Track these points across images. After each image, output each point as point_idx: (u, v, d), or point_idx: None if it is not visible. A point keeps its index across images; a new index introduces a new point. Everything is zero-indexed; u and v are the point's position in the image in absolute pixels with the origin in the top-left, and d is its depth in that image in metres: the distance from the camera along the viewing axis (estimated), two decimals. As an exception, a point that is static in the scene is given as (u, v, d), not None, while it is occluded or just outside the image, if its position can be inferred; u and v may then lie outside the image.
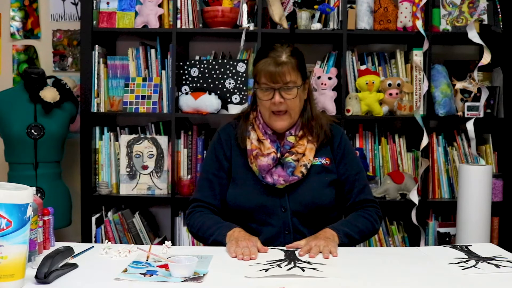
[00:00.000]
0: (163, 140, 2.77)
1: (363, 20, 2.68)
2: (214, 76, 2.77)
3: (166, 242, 1.59)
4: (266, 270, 1.35)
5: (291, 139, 1.73)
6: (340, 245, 1.58)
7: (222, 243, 1.59)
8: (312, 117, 1.76)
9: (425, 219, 2.74)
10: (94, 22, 2.75)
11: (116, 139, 2.82)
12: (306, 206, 1.71)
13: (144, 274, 1.32)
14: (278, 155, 1.72)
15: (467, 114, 2.69)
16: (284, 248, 1.57)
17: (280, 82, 1.66)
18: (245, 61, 2.76)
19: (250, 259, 1.43)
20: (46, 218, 1.54)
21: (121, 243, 2.71)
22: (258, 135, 1.74)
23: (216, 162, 1.79)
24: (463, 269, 1.39)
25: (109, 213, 2.75)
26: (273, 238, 1.70)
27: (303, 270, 1.35)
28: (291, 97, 1.67)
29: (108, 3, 2.76)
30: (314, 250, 1.47)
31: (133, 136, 2.77)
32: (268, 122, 1.72)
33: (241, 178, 1.75)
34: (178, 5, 2.71)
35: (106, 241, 1.68)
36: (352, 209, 1.78)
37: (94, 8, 2.74)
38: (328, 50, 2.90)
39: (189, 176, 2.76)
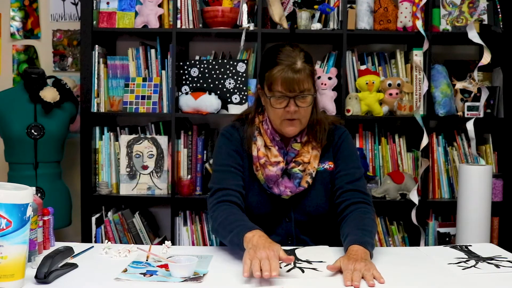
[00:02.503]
0: (163, 140, 2.77)
1: (363, 20, 2.68)
2: (214, 76, 2.77)
3: (166, 242, 1.59)
4: (266, 270, 1.35)
5: (296, 146, 1.69)
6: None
7: (239, 244, 1.45)
8: (317, 121, 1.71)
9: (425, 219, 2.74)
10: (94, 22, 2.75)
11: (116, 139, 2.82)
12: (309, 215, 1.70)
13: (144, 274, 1.32)
14: (291, 164, 1.68)
15: (467, 114, 2.69)
16: (284, 247, 1.57)
17: (297, 90, 1.59)
18: (245, 61, 2.75)
19: (271, 276, 1.24)
20: (46, 218, 1.54)
21: (121, 243, 2.71)
22: (265, 141, 1.70)
23: (237, 156, 1.71)
24: (463, 269, 1.39)
25: (109, 213, 2.75)
26: None
27: (303, 271, 1.35)
28: (305, 105, 1.62)
29: (108, 3, 2.76)
30: (356, 277, 1.26)
31: (133, 136, 2.77)
32: (279, 128, 1.67)
33: (246, 185, 1.71)
34: (178, 5, 2.71)
35: (106, 241, 1.68)
36: (344, 200, 1.66)
37: (94, 8, 2.74)
38: (328, 50, 2.90)
39: (189, 176, 2.76)
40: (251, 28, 2.65)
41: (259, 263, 1.27)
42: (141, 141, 2.76)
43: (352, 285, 1.24)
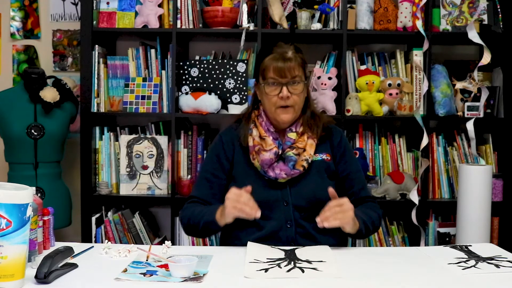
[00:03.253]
0: (163, 140, 2.77)
1: (363, 20, 2.68)
2: (214, 76, 2.77)
3: (166, 242, 1.59)
4: (266, 270, 1.35)
5: (292, 135, 1.77)
6: (354, 235, 1.67)
7: (213, 222, 1.64)
8: (313, 115, 1.81)
9: (425, 219, 2.74)
10: (94, 22, 2.75)
11: (116, 139, 2.82)
12: (308, 200, 1.73)
13: (144, 274, 1.32)
14: (280, 151, 1.75)
15: (467, 114, 2.69)
16: (284, 247, 1.57)
17: (288, 76, 1.70)
18: (245, 61, 2.75)
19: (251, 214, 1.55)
20: (46, 218, 1.54)
21: (121, 243, 2.71)
22: (260, 132, 1.77)
23: (217, 163, 1.81)
24: (463, 269, 1.39)
25: (109, 213, 2.75)
26: (275, 232, 1.71)
27: (303, 271, 1.35)
28: (297, 91, 1.72)
29: (108, 3, 2.76)
30: (327, 214, 1.57)
31: (133, 136, 2.77)
32: (273, 115, 1.76)
33: (242, 175, 1.78)
34: (178, 5, 2.71)
35: (106, 241, 1.68)
36: (355, 205, 1.77)
37: (94, 8, 2.74)
38: (328, 50, 2.90)
39: (189, 176, 2.76)
40: (251, 28, 2.65)
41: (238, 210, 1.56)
42: (141, 141, 2.76)
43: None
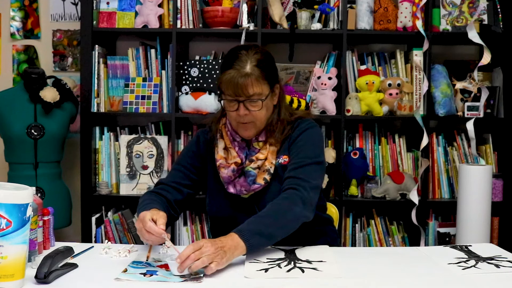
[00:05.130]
0: (163, 140, 2.77)
1: (363, 20, 2.68)
2: (214, 76, 2.76)
3: (166, 242, 1.59)
4: (266, 270, 1.35)
5: (257, 145, 1.69)
6: (256, 246, 1.45)
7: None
8: (277, 121, 1.70)
9: (425, 219, 2.74)
10: (94, 22, 2.75)
11: (116, 139, 2.82)
12: None
13: (144, 274, 1.32)
14: (246, 162, 1.67)
15: (467, 114, 2.69)
16: (284, 247, 1.57)
17: (243, 95, 1.59)
18: (245, 61, 2.75)
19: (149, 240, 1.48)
20: (46, 218, 1.54)
21: (121, 243, 2.72)
22: (225, 143, 1.71)
23: (193, 157, 1.76)
24: (463, 269, 1.39)
25: (109, 213, 2.75)
26: None
27: (303, 271, 1.35)
28: (256, 109, 1.61)
29: (108, 3, 2.76)
30: (187, 262, 1.30)
31: (133, 136, 2.77)
32: (236, 129, 1.69)
33: (213, 188, 1.74)
34: (178, 5, 2.71)
35: (106, 241, 1.68)
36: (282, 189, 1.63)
37: (94, 8, 2.75)
38: (328, 50, 2.90)
39: (189, 176, 2.76)
40: (251, 28, 2.65)
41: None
42: (141, 141, 2.76)
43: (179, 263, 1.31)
